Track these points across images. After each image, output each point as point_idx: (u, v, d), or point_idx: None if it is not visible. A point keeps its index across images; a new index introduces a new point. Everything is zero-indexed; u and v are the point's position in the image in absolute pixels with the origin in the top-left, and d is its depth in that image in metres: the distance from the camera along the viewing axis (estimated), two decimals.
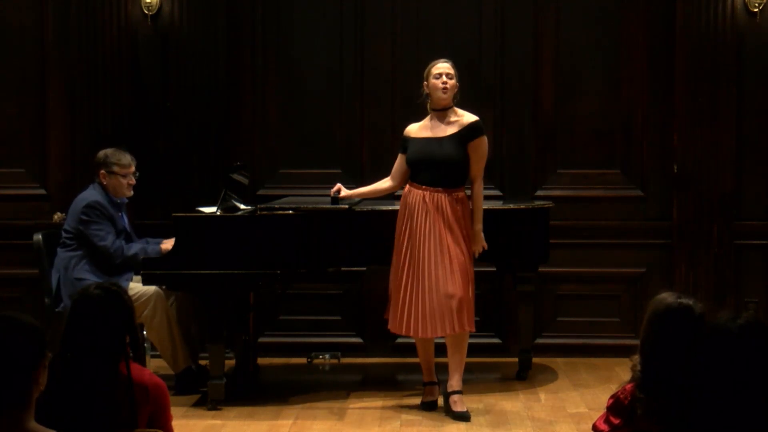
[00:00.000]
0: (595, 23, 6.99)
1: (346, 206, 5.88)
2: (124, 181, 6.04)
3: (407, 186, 5.65)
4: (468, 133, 5.59)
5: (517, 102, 7.01)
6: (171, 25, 6.85)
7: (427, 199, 5.52)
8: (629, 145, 7.00)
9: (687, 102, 6.79)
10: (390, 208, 5.88)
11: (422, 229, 5.50)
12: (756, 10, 6.71)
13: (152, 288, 5.85)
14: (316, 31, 7.03)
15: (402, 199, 5.65)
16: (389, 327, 5.69)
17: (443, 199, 5.52)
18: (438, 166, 5.54)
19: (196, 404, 5.79)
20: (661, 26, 6.91)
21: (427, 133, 5.63)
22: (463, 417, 5.48)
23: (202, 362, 6.09)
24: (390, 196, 6.18)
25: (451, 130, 5.60)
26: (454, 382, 5.58)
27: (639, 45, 6.95)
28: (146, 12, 6.80)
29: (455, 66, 5.68)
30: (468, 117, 5.65)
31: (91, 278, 5.74)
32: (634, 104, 6.98)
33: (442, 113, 5.65)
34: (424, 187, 5.54)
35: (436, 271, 5.46)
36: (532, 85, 7.01)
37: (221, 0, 6.93)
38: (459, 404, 5.55)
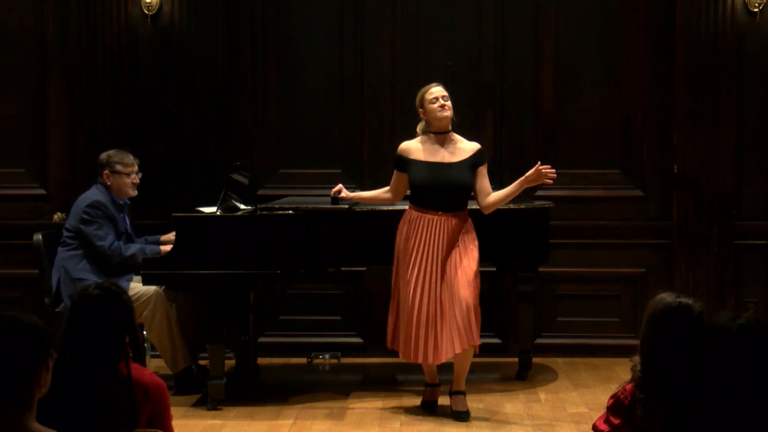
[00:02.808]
0: (595, 23, 6.99)
1: (346, 206, 5.88)
2: (128, 181, 6.05)
3: (415, 212, 5.56)
4: (479, 159, 5.60)
5: (517, 102, 7.01)
6: (171, 25, 6.85)
7: (444, 225, 5.49)
8: (629, 145, 7.00)
9: (687, 102, 6.80)
10: (390, 208, 5.87)
11: (443, 254, 5.46)
12: (756, 10, 6.71)
13: (152, 288, 5.85)
14: (316, 31, 7.03)
15: (407, 223, 5.56)
16: (402, 356, 5.60)
17: (455, 222, 5.51)
18: (452, 192, 5.53)
19: (196, 404, 5.79)
20: (661, 26, 6.91)
21: (429, 158, 5.58)
22: (461, 416, 5.49)
23: (202, 362, 6.09)
24: None
25: (458, 155, 5.59)
26: (457, 383, 5.60)
27: (639, 45, 6.95)
28: (146, 12, 6.80)
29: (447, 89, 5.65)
30: (471, 143, 5.65)
31: (91, 278, 5.74)
32: (634, 104, 6.98)
33: (441, 137, 5.62)
34: (440, 213, 5.50)
35: (451, 295, 5.43)
36: (532, 85, 7.01)
37: (221, 0, 6.94)
38: (460, 404, 5.56)
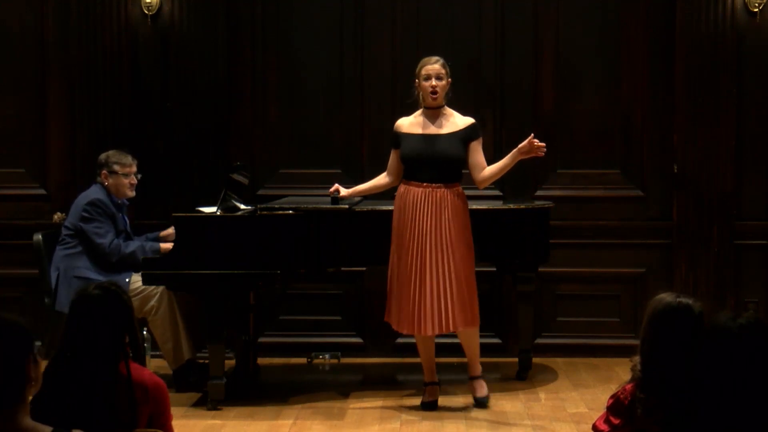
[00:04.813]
0: (595, 23, 6.99)
1: (346, 206, 5.89)
2: (126, 181, 6.07)
3: (403, 185, 5.66)
4: (471, 133, 5.65)
5: (517, 102, 7.01)
6: (171, 25, 6.85)
7: (429, 196, 5.54)
8: (629, 145, 7.00)
9: (687, 102, 6.79)
10: (390, 208, 5.87)
11: (427, 226, 5.52)
12: (756, 10, 6.71)
13: None
14: (316, 31, 7.03)
15: (399, 198, 5.64)
16: (396, 328, 5.68)
17: (445, 194, 5.55)
18: (437, 163, 5.57)
19: (196, 404, 5.79)
20: (661, 26, 6.91)
21: (419, 130, 5.66)
22: (481, 402, 5.66)
23: (202, 362, 6.09)
24: (389, 195, 6.19)
25: (447, 128, 5.64)
26: (472, 368, 5.74)
27: (639, 45, 6.95)
28: (146, 12, 6.80)
29: (447, 63, 5.69)
30: (465, 118, 5.71)
31: (91, 275, 5.77)
32: (634, 104, 6.98)
33: (434, 111, 5.68)
34: (425, 184, 5.56)
35: (443, 267, 5.49)
36: (532, 85, 7.01)
37: (221, 0, 6.94)
38: (479, 389, 5.72)
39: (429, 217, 5.52)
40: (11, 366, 2.57)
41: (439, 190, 5.55)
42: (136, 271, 5.83)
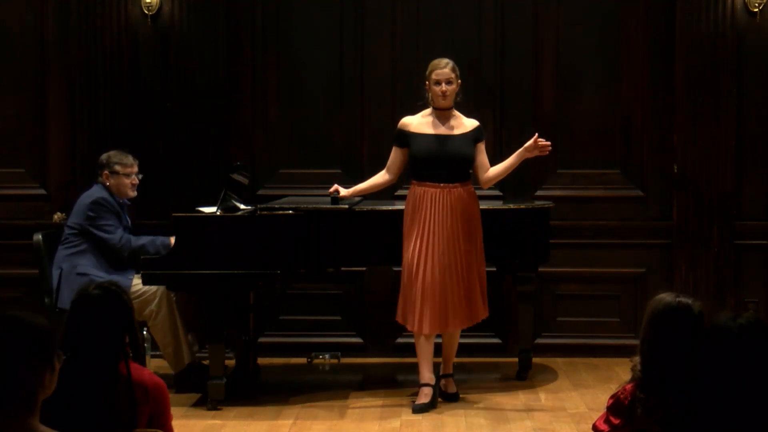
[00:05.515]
0: (595, 23, 6.99)
1: (346, 206, 5.89)
2: (127, 181, 6.07)
3: (417, 186, 5.67)
4: (478, 134, 5.78)
5: (517, 102, 7.01)
6: (171, 25, 6.85)
7: (447, 196, 5.62)
8: (629, 145, 7.00)
9: (687, 102, 6.79)
10: (390, 208, 5.89)
11: (448, 225, 5.59)
12: (756, 10, 6.71)
13: None
14: (316, 31, 7.03)
15: (414, 199, 5.66)
16: (407, 325, 5.69)
17: (461, 193, 5.65)
18: (452, 163, 5.66)
19: (196, 404, 5.79)
20: (661, 26, 6.91)
21: (431, 130, 5.72)
22: (453, 398, 5.80)
23: (202, 362, 6.09)
24: (389, 195, 6.19)
25: (458, 129, 5.74)
26: (446, 366, 5.87)
27: (639, 45, 6.95)
28: (146, 12, 6.80)
29: (456, 65, 5.74)
30: (470, 120, 5.82)
31: (94, 273, 5.78)
32: (633, 104, 6.98)
33: (444, 112, 5.75)
34: (442, 185, 5.63)
35: (467, 265, 5.61)
36: (532, 85, 7.02)
37: (221, 0, 6.94)
38: (450, 386, 5.85)
39: (448, 217, 5.60)
40: (27, 369, 2.56)
41: (455, 189, 5.64)
42: (137, 271, 5.83)
